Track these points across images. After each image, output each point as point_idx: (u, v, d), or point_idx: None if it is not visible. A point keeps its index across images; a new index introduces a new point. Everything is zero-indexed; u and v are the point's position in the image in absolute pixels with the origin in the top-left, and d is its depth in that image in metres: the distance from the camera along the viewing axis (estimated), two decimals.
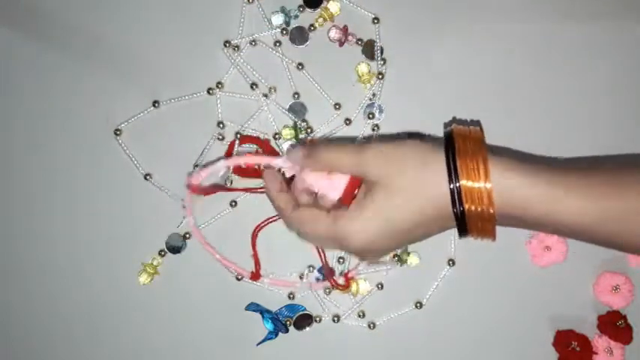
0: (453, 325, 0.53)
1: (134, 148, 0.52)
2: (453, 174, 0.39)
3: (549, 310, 0.53)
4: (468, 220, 0.40)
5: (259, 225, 0.51)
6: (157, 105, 0.52)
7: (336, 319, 0.53)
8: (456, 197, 0.39)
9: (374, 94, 0.53)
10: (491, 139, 0.52)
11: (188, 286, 0.53)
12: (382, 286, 0.53)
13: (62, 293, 0.53)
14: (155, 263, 0.52)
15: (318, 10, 0.53)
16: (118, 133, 0.52)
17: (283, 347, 0.53)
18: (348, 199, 0.42)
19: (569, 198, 0.38)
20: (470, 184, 0.39)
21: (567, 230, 0.40)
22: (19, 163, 0.53)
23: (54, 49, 0.53)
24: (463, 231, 0.41)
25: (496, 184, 0.39)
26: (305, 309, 0.53)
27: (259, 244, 0.52)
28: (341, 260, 0.53)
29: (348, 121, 0.53)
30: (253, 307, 0.52)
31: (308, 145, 0.44)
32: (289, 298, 0.53)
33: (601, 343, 0.52)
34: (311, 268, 0.53)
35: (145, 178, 0.52)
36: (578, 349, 0.52)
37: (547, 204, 0.38)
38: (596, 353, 0.52)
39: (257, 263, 0.52)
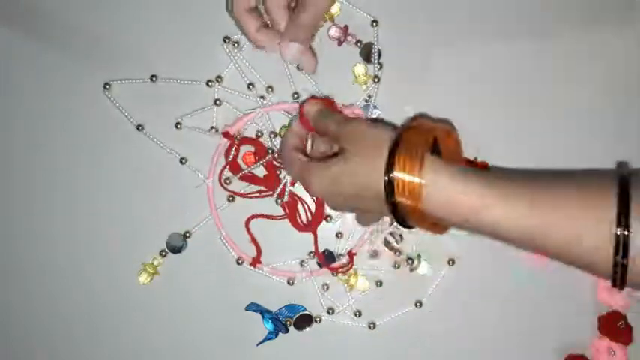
0: (453, 325, 0.53)
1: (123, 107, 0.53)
2: (389, 165, 0.40)
3: (549, 310, 0.53)
4: (402, 213, 0.41)
5: (254, 215, 0.52)
6: (154, 79, 0.52)
7: (330, 310, 0.53)
8: (388, 188, 0.41)
9: (369, 96, 0.53)
10: (485, 144, 0.53)
11: (188, 286, 0.53)
12: (381, 283, 0.53)
13: (62, 293, 0.53)
14: (155, 263, 0.52)
15: None
16: (108, 87, 0.52)
17: (283, 347, 0.53)
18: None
19: (495, 206, 0.39)
20: (401, 176, 0.40)
21: (490, 236, 0.40)
22: (19, 163, 0.53)
23: (54, 49, 0.53)
24: (401, 222, 0.43)
25: (428, 181, 0.40)
26: (305, 309, 0.53)
27: (260, 237, 0.52)
28: (339, 235, 0.53)
29: None
30: (253, 307, 0.52)
31: (322, 102, 0.49)
32: (288, 283, 0.53)
33: (602, 344, 0.52)
34: (311, 254, 0.53)
35: (138, 129, 0.52)
36: None
37: (473, 209, 0.39)
38: None
39: (257, 247, 0.52)
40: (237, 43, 0.53)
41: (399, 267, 0.53)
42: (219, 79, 0.52)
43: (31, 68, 0.53)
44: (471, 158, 0.52)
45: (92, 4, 0.53)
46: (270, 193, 0.52)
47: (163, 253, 0.53)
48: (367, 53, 0.53)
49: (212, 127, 0.52)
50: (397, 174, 0.40)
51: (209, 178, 0.52)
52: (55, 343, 0.53)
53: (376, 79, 0.53)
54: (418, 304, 0.53)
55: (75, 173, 0.53)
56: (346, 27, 0.52)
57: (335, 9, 0.52)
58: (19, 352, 0.53)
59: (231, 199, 0.52)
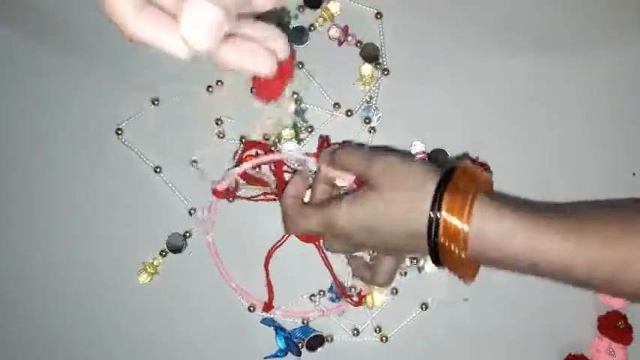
0: (454, 325, 0.53)
1: (136, 147, 0.53)
2: (436, 204, 0.39)
3: (550, 310, 0.53)
4: (441, 255, 0.40)
5: (270, 251, 0.51)
6: (156, 103, 0.52)
7: (355, 332, 0.52)
8: (433, 228, 0.39)
9: (371, 98, 0.53)
10: (489, 142, 0.53)
11: (188, 286, 0.53)
12: (397, 291, 0.53)
13: (62, 293, 0.53)
14: (156, 263, 0.52)
15: (318, 10, 0.53)
16: (120, 132, 0.52)
17: None
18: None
19: (550, 249, 0.38)
20: (449, 218, 0.39)
21: (548, 276, 0.40)
22: (19, 163, 0.53)
23: (54, 49, 0.53)
24: (438, 263, 0.41)
25: (475, 229, 0.38)
26: (314, 330, 0.52)
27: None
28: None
29: (349, 113, 0.53)
30: (268, 321, 0.52)
31: (332, 148, 0.48)
32: (303, 323, 0.52)
33: (602, 344, 0.52)
34: (322, 293, 0.52)
35: (155, 171, 0.52)
36: None
37: (519, 254, 0.39)
38: None
39: (270, 292, 0.51)
40: None
41: (405, 274, 0.53)
42: (220, 84, 0.52)
43: (31, 68, 0.53)
44: (472, 158, 0.52)
45: (92, 4, 0.53)
46: (273, 197, 0.51)
47: (163, 253, 0.53)
48: (367, 52, 0.53)
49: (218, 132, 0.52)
50: (445, 215, 0.39)
51: (208, 233, 0.52)
52: (55, 343, 0.53)
53: (385, 72, 0.52)
54: (424, 305, 0.53)
55: (75, 173, 0.53)
56: (346, 27, 0.52)
57: (335, 9, 0.52)
58: (19, 352, 0.53)
59: (231, 200, 0.53)
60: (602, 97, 0.53)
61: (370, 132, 0.53)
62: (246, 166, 0.50)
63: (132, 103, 0.52)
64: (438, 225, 0.39)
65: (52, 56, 0.53)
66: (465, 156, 0.52)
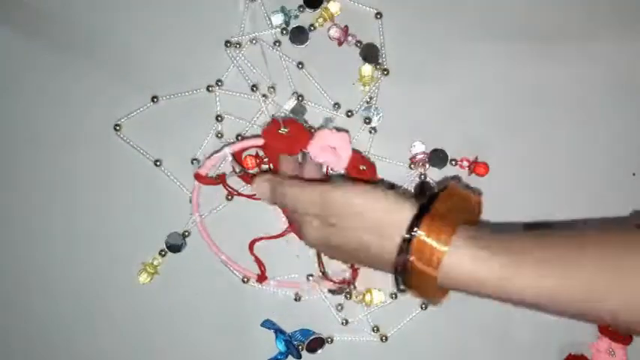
0: (455, 326, 0.53)
1: (135, 143, 0.53)
2: (415, 223, 0.38)
3: None
4: (407, 273, 0.39)
5: (255, 239, 0.51)
6: (155, 100, 0.52)
7: (344, 322, 0.53)
8: (404, 246, 0.39)
9: (371, 98, 0.53)
10: (489, 142, 0.53)
11: (188, 286, 0.53)
12: (396, 296, 0.53)
13: (62, 293, 0.53)
14: (155, 263, 0.52)
15: (319, 10, 0.53)
16: (118, 128, 0.52)
17: None
18: (353, 171, 0.49)
19: (519, 280, 0.37)
20: (426, 239, 0.38)
21: (515, 302, 0.39)
22: (19, 163, 0.53)
23: (54, 49, 0.53)
24: (398, 282, 0.40)
25: (453, 251, 0.38)
26: (314, 333, 0.52)
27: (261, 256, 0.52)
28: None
29: (350, 113, 0.53)
30: (268, 324, 0.52)
31: (273, 179, 0.47)
32: (295, 300, 0.53)
33: (602, 344, 0.52)
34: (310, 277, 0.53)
35: (155, 164, 0.52)
36: None
37: (493, 281, 0.38)
38: None
39: (261, 265, 0.52)
40: (238, 44, 0.52)
41: None
42: (220, 83, 0.52)
43: (31, 68, 0.53)
44: (471, 158, 0.52)
45: (92, 4, 0.53)
46: None
47: (163, 253, 0.53)
48: (367, 53, 0.53)
49: (218, 133, 0.52)
50: (422, 234, 0.38)
51: (194, 214, 0.52)
52: (55, 343, 0.53)
53: (385, 72, 0.53)
54: (423, 305, 0.53)
55: (75, 173, 0.53)
56: (346, 27, 0.52)
57: (335, 9, 0.52)
58: (19, 352, 0.53)
59: (229, 198, 0.52)
60: (602, 97, 0.53)
61: (371, 132, 0.53)
62: (228, 150, 0.49)
63: (132, 101, 0.52)
64: (410, 245, 0.38)
65: (52, 56, 0.53)
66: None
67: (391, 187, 0.52)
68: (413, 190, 0.53)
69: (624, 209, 0.53)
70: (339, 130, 0.49)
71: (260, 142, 0.49)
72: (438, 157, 0.52)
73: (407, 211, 0.39)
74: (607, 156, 0.53)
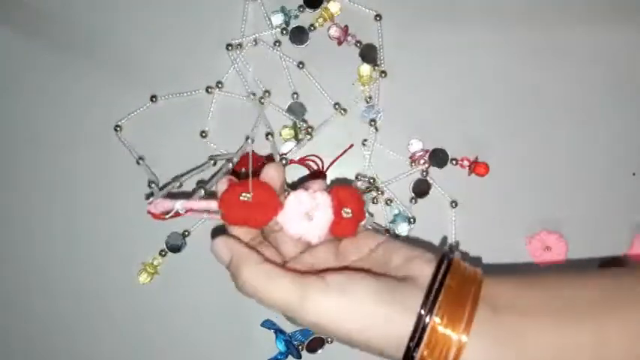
0: None
1: (131, 141, 0.53)
2: (427, 310, 0.33)
3: None
4: None
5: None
6: (154, 100, 0.52)
7: None
8: (413, 339, 0.33)
9: (370, 97, 0.53)
10: (489, 144, 0.53)
11: (188, 286, 0.53)
12: None
13: (62, 293, 0.53)
14: (155, 263, 0.52)
15: (319, 10, 0.53)
16: (118, 129, 0.52)
17: None
18: (337, 216, 0.39)
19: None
20: (442, 329, 0.33)
21: None
22: (19, 163, 0.53)
23: (54, 49, 0.53)
24: None
25: (473, 340, 0.32)
26: (314, 333, 0.52)
27: None
28: None
29: (343, 111, 0.53)
30: (268, 324, 0.52)
31: (238, 250, 0.38)
32: None
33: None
34: None
35: (137, 163, 0.52)
36: None
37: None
38: None
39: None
40: (239, 45, 0.52)
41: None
42: (220, 85, 0.52)
43: (31, 68, 0.53)
44: (471, 158, 0.52)
45: (92, 4, 0.53)
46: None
47: (163, 253, 0.53)
48: (366, 53, 0.53)
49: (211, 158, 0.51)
50: (438, 323, 0.33)
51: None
52: (55, 343, 0.53)
53: (383, 74, 0.52)
54: None
55: (75, 173, 0.53)
56: (346, 27, 0.52)
57: (335, 9, 0.52)
58: (19, 352, 0.53)
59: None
60: (603, 97, 0.53)
61: (373, 127, 0.53)
62: (179, 206, 0.40)
63: (131, 101, 0.52)
64: (422, 336, 0.33)
65: (52, 56, 0.53)
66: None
67: (396, 236, 0.51)
68: (412, 189, 0.53)
69: (624, 209, 0.53)
70: (314, 175, 0.45)
71: (215, 206, 0.39)
72: (438, 157, 0.52)
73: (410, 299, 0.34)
74: (607, 156, 0.53)
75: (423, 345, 0.33)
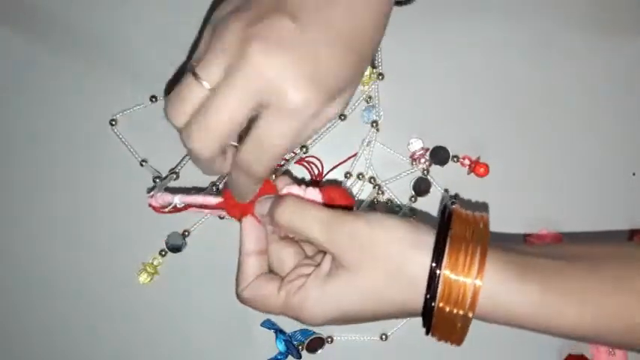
0: None
1: (129, 139, 0.53)
2: (435, 262, 0.33)
3: None
4: (434, 321, 0.35)
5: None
6: (154, 100, 0.52)
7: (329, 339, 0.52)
8: (428, 293, 0.34)
9: (370, 97, 0.53)
10: (490, 142, 0.53)
11: (188, 286, 0.53)
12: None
13: (62, 293, 0.53)
14: (155, 263, 0.52)
15: None
16: (114, 123, 0.52)
17: None
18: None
19: (563, 311, 0.34)
20: (454, 277, 0.33)
21: (555, 334, 0.36)
22: (19, 163, 0.53)
23: (54, 49, 0.53)
24: (426, 328, 0.36)
25: (487, 284, 0.33)
26: (314, 333, 0.52)
27: None
28: None
29: (342, 117, 0.53)
30: (268, 324, 0.52)
31: (275, 203, 0.39)
32: None
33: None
34: None
35: (141, 165, 0.52)
36: None
37: (537, 316, 0.34)
38: None
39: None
40: None
41: None
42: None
43: (31, 68, 0.53)
44: (473, 158, 0.52)
45: (92, 4, 0.53)
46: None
47: (163, 253, 0.53)
48: None
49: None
50: (448, 273, 0.33)
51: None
52: (55, 343, 0.53)
53: (380, 77, 0.52)
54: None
55: (75, 173, 0.53)
56: None
57: None
58: (19, 352, 0.53)
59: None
60: (603, 97, 0.53)
61: (374, 127, 0.53)
62: (177, 200, 0.44)
63: (131, 101, 0.52)
64: (436, 288, 0.34)
65: (52, 56, 0.53)
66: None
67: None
68: (412, 187, 0.53)
69: (624, 209, 0.53)
70: (314, 181, 0.48)
71: (213, 202, 0.43)
72: (439, 154, 0.52)
73: (420, 252, 0.34)
74: (607, 156, 0.53)
75: (438, 295, 0.34)
